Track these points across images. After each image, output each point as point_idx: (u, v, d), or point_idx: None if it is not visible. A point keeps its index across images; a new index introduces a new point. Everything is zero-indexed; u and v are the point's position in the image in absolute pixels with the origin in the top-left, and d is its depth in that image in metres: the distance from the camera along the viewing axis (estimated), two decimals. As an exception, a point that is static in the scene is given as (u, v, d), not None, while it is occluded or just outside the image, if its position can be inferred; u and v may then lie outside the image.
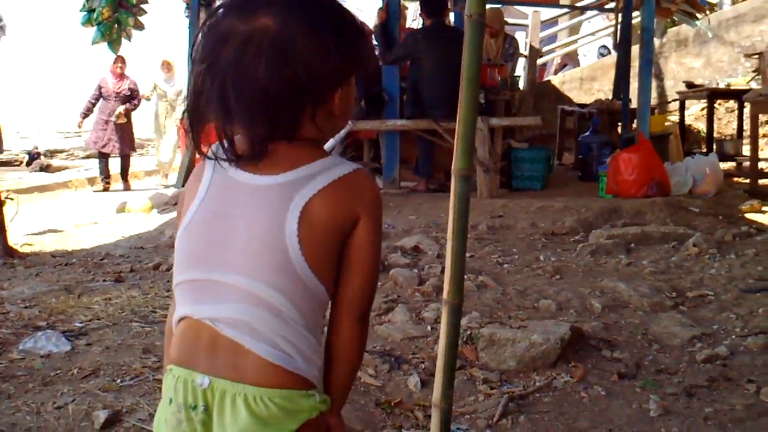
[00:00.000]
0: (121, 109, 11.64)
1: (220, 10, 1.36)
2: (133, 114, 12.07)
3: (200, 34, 1.37)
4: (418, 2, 10.49)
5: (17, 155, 14.94)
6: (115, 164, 12.03)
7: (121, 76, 11.84)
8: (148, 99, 12.26)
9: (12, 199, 6.15)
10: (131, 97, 11.90)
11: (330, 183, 1.34)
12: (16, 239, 6.15)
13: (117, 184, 11.85)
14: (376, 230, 1.39)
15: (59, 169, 14.04)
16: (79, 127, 12.47)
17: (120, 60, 11.58)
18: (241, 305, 1.32)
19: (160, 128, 12.27)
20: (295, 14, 1.34)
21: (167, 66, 12.16)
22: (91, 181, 12.40)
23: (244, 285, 1.32)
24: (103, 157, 11.80)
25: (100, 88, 11.79)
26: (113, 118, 11.58)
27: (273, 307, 1.32)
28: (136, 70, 12.50)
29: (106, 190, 11.65)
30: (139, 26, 9.74)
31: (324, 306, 1.40)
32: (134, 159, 12.88)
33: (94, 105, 11.87)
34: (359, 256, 1.38)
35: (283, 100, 1.33)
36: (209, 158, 1.40)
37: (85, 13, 9.38)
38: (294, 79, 1.32)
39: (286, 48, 1.32)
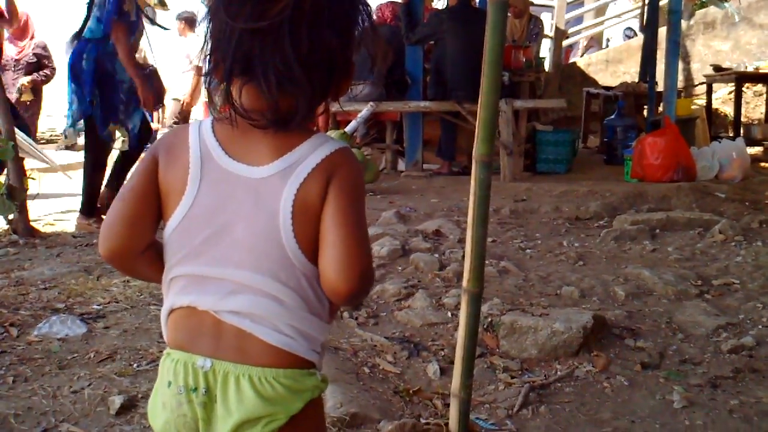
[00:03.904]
0: (25, 80, 8.86)
1: None
2: (45, 88, 9.27)
3: None
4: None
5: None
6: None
7: (22, 36, 8.91)
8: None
9: (34, 178, 6.15)
10: (39, 66, 9.07)
11: (314, 168, 1.29)
12: (38, 219, 6.16)
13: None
14: (348, 192, 1.31)
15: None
16: None
17: (14, 14, 7.87)
18: (243, 297, 1.31)
19: None
20: None
21: None
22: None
23: (245, 279, 1.31)
24: None
25: None
26: (15, 94, 8.59)
27: (275, 298, 1.31)
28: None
29: None
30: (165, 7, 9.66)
31: None
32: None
33: None
34: (328, 222, 1.30)
35: (342, 54, 1.31)
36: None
37: None
38: (350, 33, 1.31)
39: (338, 5, 1.29)
